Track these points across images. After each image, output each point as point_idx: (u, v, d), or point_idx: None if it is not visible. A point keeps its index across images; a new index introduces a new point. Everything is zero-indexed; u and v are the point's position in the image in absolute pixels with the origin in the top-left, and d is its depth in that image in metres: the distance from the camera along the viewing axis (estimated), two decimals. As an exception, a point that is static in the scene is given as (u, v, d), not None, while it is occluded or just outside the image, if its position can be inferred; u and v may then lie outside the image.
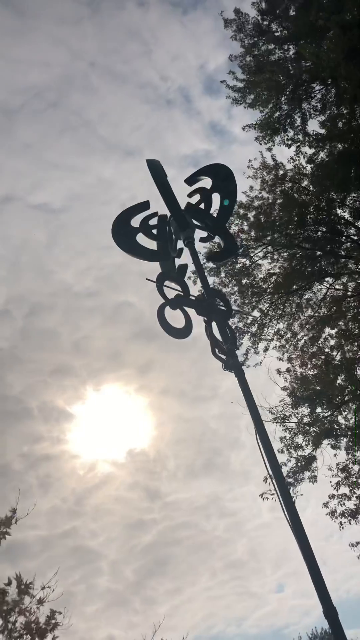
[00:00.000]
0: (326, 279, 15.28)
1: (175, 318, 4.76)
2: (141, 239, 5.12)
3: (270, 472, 3.96)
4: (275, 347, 15.19)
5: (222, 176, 5.59)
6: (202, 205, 5.45)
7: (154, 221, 5.16)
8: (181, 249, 5.03)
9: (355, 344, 13.96)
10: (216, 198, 5.50)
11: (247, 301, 15.51)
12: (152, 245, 5.16)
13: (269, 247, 15.70)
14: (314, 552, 3.57)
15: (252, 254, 15.75)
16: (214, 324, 4.75)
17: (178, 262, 4.96)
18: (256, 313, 15.58)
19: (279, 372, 14.93)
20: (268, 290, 15.54)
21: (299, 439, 13.43)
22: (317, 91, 14.89)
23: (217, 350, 4.59)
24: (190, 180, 5.59)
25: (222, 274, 15.48)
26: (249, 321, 15.17)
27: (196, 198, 5.51)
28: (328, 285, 15.37)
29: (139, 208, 5.22)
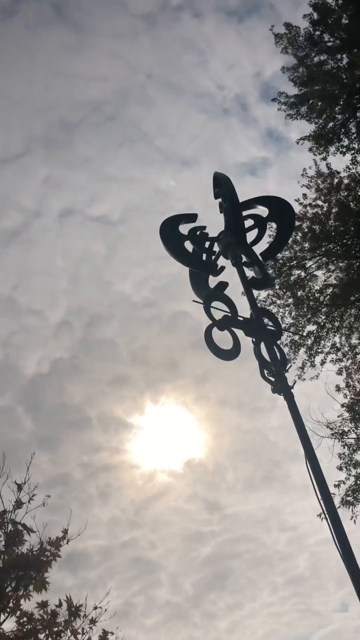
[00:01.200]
0: (385, 290, 14.86)
1: (224, 339, 4.72)
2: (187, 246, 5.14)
3: (320, 498, 3.84)
4: (333, 360, 14.87)
5: (280, 208, 5.51)
6: (255, 231, 5.39)
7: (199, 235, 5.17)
8: (222, 268, 5.00)
9: None
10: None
11: (302, 313, 15.26)
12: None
13: (324, 258, 15.42)
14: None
15: (307, 265, 15.52)
16: (262, 345, 4.67)
17: (215, 280, 4.92)
18: (312, 326, 15.33)
19: (338, 388, 14.61)
20: (324, 302, 15.25)
21: (358, 456, 13.05)
22: (372, 98, 14.58)
23: (265, 372, 4.51)
24: (243, 206, 5.54)
25: (277, 287, 15.28)
26: (304, 334, 14.91)
27: (247, 223, 5.46)
28: (387, 297, 14.93)
29: (187, 218, 5.24)
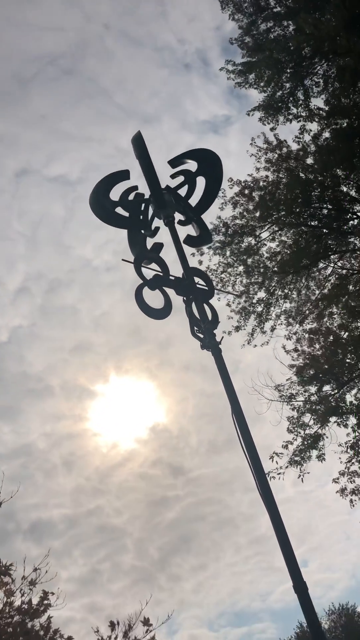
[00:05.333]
0: (331, 257, 15.17)
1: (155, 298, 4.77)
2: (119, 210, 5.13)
3: (245, 451, 3.97)
4: (282, 323, 15.19)
5: (208, 161, 5.54)
6: (185, 187, 5.43)
7: (132, 196, 5.16)
8: (157, 228, 5.03)
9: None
10: (200, 183, 5.47)
11: (253, 281, 15.47)
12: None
13: (275, 226, 15.59)
14: (286, 529, 3.59)
15: (257, 233, 15.68)
16: (194, 304, 4.74)
17: (152, 241, 4.95)
18: (263, 293, 15.58)
19: (286, 351, 14.93)
20: (274, 270, 15.46)
21: (306, 418, 13.43)
22: (319, 67, 14.64)
23: (195, 329, 4.59)
24: (174, 162, 5.55)
25: (228, 253, 15.41)
26: (254, 301, 15.15)
27: (178, 180, 5.48)
28: (334, 264, 15.26)
29: (118, 177, 5.20)
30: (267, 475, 4.03)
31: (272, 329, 15.00)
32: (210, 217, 15.98)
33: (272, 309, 15.12)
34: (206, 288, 4.94)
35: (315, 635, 3.40)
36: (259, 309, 15.05)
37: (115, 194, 5.03)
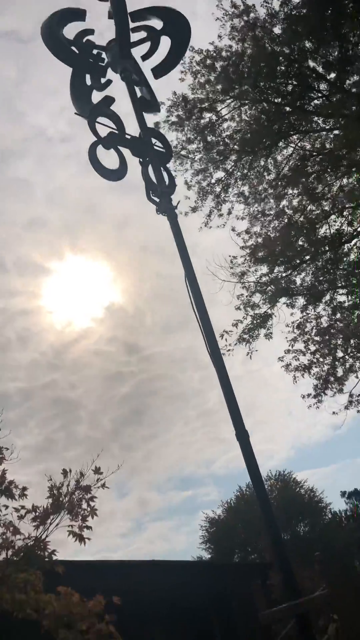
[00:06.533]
0: (293, 137, 14.78)
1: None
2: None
3: (198, 317, 4.04)
4: (240, 203, 15.06)
5: (176, 22, 5.14)
6: (147, 45, 5.08)
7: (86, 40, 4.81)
8: (109, 81, 4.74)
9: (317, 204, 13.85)
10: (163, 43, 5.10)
11: (211, 159, 15.06)
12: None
13: (236, 102, 14.96)
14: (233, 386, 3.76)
15: (218, 109, 15.05)
16: (150, 166, 4.61)
17: (100, 95, 4.67)
18: (221, 173, 15.27)
19: (238, 233, 14.89)
20: (234, 149, 15.04)
21: (256, 298, 13.72)
22: None
23: (151, 193, 4.49)
24: (135, 16, 5.12)
25: (186, 130, 14.83)
26: (212, 181, 14.86)
27: (140, 35, 5.11)
28: (294, 145, 14.91)
29: (76, 14, 4.81)
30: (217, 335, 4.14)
31: (229, 212, 14.88)
32: (166, 92, 15.18)
33: (230, 189, 14.90)
34: (164, 150, 4.79)
35: (254, 479, 3.68)
36: (217, 189, 14.80)
37: (69, 34, 4.67)
